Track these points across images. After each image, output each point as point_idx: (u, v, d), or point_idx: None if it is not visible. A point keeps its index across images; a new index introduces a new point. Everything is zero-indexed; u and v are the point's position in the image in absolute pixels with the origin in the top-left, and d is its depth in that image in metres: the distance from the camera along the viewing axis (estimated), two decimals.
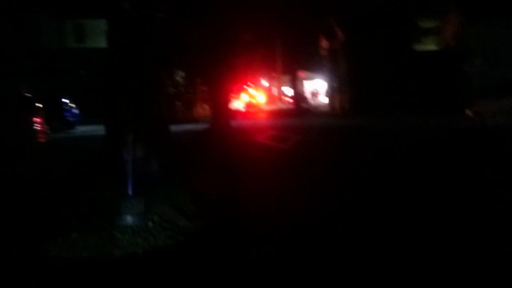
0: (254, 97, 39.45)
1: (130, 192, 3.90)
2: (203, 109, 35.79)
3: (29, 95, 12.00)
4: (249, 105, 37.81)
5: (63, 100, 17.09)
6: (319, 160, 7.56)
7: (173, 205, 4.18)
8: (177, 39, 24.12)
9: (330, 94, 31.74)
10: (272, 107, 43.30)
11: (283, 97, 46.07)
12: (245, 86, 43.94)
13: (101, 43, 19.40)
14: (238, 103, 41.07)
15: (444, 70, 25.26)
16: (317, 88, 48.39)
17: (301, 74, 41.91)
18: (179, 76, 40.06)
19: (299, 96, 33.82)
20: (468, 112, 14.60)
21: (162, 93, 5.21)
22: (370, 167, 6.82)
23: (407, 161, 7.28)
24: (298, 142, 10.35)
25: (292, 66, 34.15)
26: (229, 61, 26.68)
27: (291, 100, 42.20)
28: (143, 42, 4.51)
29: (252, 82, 46.87)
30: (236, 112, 28.33)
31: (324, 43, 32.46)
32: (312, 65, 45.29)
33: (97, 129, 18.09)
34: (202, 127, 15.10)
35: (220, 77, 14.80)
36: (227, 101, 15.35)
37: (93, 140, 13.73)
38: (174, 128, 16.51)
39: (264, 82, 53.81)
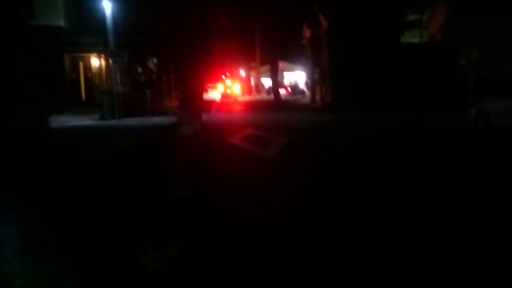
0: (231, 87, 36.96)
1: None
2: (176, 99, 33.06)
3: None
4: (225, 96, 35.37)
5: None
6: (318, 178, 5.39)
7: None
8: (147, 22, 21.37)
9: (311, 86, 29.71)
10: (250, 98, 41.01)
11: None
12: (221, 76, 41.35)
13: (53, 19, 16.36)
14: (213, 94, 38.60)
15: (435, 64, 23.60)
16: (296, 79, 46.42)
17: (280, 64, 39.71)
18: (152, 62, 36.99)
19: (278, 88, 31.53)
20: (472, 111, 12.80)
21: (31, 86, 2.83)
22: (376, 183, 4.76)
23: (409, 170, 5.34)
24: (284, 146, 8.12)
25: (272, 56, 31.81)
26: (204, 48, 24.21)
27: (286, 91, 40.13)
28: None
29: (229, 72, 44.30)
30: (211, 103, 25.88)
31: (307, 32, 30.27)
32: (292, 55, 43.20)
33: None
34: (168, 122, 12.67)
35: (194, 64, 12.52)
36: (198, 91, 12.96)
37: None
38: (136, 121, 13.95)
39: (242, 72, 51.30)
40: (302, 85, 44.64)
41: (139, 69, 42.64)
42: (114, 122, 14.80)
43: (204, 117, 15.98)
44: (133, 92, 23.56)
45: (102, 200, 3.53)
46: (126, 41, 20.23)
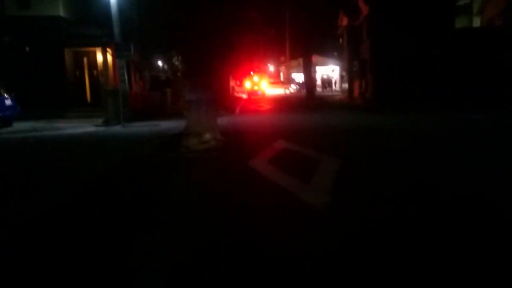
0: (259, 84, 33.88)
1: None
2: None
3: None
4: (252, 93, 32.34)
5: None
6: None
7: None
8: (165, 13, 18.73)
9: (348, 80, 26.14)
10: (279, 94, 37.83)
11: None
12: (249, 72, 38.34)
13: (51, 9, 13.89)
14: (239, 91, 35.73)
15: (498, 51, 19.56)
16: (329, 74, 42.84)
17: (312, 58, 36.33)
18: (177, 59, 34.50)
19: (312, 83, 28.03)
20: None
21: None
22: None
23: None
24: (336, 177, 5.01)
25: (304, 49, 28.40)
26: (228, 41, 21.16)
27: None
28: None
29: (257, 67, 41.21)
30: (235, 102, 22.95)
31: (343, 21, 26.68)
32: (324, 48, 39.62)
33: (40, 127, 11.69)
34: (182, 127, 9.80)
35: (214, 59, 9.75)
36: (215, 89, 10.05)
37: (14, 148, 8.40)
38: (144, 127, 11.09)
39: (271, 67, 48.09)
40: (334, 79, 41.05)
41: (165, 66, 40.33)
42: (117, 128, 12.16)
43: (225, 120, 13.04)
44: (151, 92, 20.99)
45: None
46: (140, 34, 17.59)
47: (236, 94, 32.28)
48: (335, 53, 44.09)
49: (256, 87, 32.96)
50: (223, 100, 17.74)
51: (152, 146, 8.20)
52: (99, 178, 5.38)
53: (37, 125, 12.71)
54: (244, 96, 32.09)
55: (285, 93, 38.25)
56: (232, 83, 30.52)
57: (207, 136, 7.99)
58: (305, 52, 26.83)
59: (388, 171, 5.21)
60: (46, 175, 5.61)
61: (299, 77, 40.53)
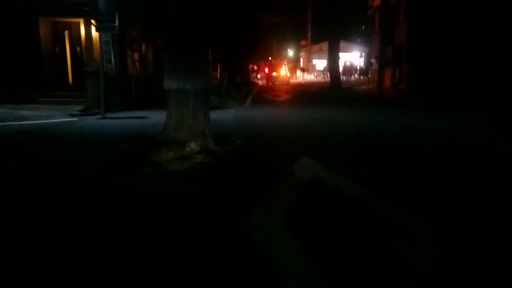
0: (277, 69, 30.64)
1: None
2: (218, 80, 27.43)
3: None
4: (270, 79, 29.19)
5: None
6: None
7: None
8: None
9: (379, 69, 22.67)
10: (299, 81, 34.58)
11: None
12: (266, 57, 35.03)
13: None
14: (256, 77, 32.65)
15: None
16: (351, 60, 39.22)
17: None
18: None
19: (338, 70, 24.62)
20: None
21: None
22: None
23: None
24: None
25: (330, 31, 24.91)
26: (248, 26, 18.62)
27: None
28: None
29: (275, 52, 37.83)
30: (249, 89, 19.93)
31: (374, 0, 23.07)
32: (347, 33, 35.95)
33: None
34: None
35: (213, 33, 6.97)
36: (209, 77, 7.11)
37: None
38: (129, 119, 8.29)
39: (290, 53, 44.57)
40: (358, 66, 37.50)
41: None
42: (92, 120, 9.40)
43: (230, 115, 10.10)
44: (154, 75, 18.12)
45: None
46: (143, 8, 14.60)
47: (252, 79, 29.21)
48: (358, 40, 40.27)
49: (274, 73, 29.78)
50: (233, 87, 14.83)
51: (113, 156, 5.35)
52: None
53: None
54: (260, 82, 29.03)
55: (305, 79, 34.98)
56: (248, 68, 27.46)
57: (192, 146, 5.07)
58: (331, 35, 23.34)
59: None
60: None
61: (320, 63, 37.14)
